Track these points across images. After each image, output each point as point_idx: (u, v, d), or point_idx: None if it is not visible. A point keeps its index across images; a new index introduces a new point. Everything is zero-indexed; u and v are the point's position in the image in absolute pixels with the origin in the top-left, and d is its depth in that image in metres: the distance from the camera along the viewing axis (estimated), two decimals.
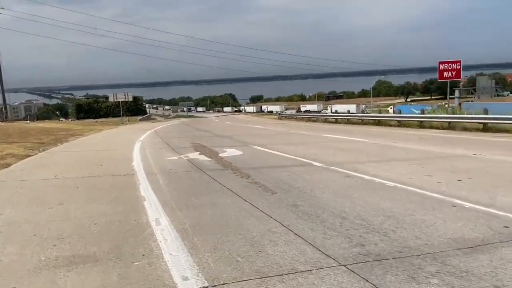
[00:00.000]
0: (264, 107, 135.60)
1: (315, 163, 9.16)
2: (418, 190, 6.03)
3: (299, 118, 41.41)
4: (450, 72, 21.40)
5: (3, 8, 52.11)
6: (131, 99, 60.14)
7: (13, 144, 16.59)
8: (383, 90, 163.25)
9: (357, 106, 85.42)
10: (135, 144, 15.40)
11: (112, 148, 14.27)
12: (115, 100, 52.69)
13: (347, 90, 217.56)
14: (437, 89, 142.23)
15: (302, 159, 9.94)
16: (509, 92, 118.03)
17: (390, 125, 23.67)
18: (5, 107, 53.10)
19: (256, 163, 9.48)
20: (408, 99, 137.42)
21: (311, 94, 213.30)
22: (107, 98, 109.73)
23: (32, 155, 12.62)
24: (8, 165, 10.34)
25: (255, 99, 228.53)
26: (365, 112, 76.43)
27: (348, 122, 29.15)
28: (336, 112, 67.33)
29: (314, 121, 35.38)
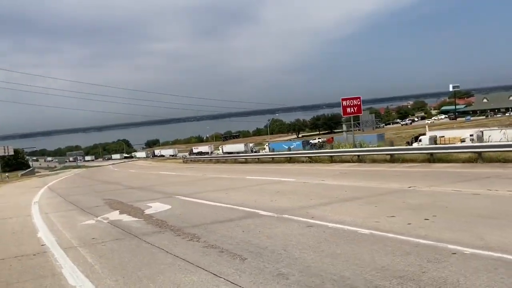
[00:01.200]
0: (157, 152, 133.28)
1: (262, 212, 8.31)
2: (400, 237, 5.53)
3: (206, 160, 40.36)
4: (352, 108, 22.74)
5: None
6: (11, 153, 52.98)
7: None
8: (276, 128, 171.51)
9: (245, 145, 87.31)
10: (31, 208, 12.86)
11: (3, 216, 11.57)
12: None
13: (242, 130, 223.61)
14: (324, 124, 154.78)
15: (244, 208, 9.01)
16: (384, 124, 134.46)
17: (302, 162, 24.08)
18: None
19: (196, 219, 8.27)
20: (300, 135, 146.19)
21: (208, 135, 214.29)
22: None
23: None
24: None
25: (151, 144, 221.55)
26: (253, 150, 79.46)
27: (259, 161, 29.08)
28: (239, 152, 67.88)
29: (223, 162, 34.70)
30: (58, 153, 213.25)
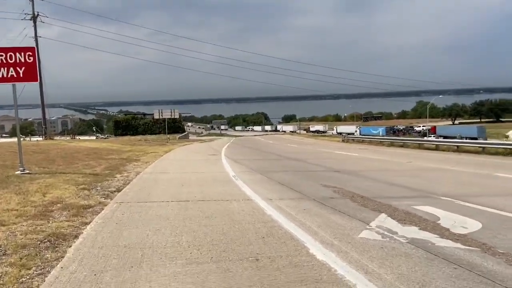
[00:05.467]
0: (279, 127, 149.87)
1: None
2: None
3: (374, 141, 35.55)
4: None
5: (45, 16, 49.20)
6: (177, 116, 56.09)
7: (58, 177, 11.87)
8: (426, 112, 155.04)
9: (356, 127, 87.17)
10: (240, 187, 10.14)
11: (216, 195, 9.01)
12: (161, 117, 48.61)
13: (384, 111, 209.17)
14: (489, 111, 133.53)
15: None
16: None
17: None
18: (45, 123, 49.83)
19: None
20: (456, 122, 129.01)
21: (346, 114, 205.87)
22: (144, 114, 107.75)
23: (94, 206, 7.69)
24: (59, 238, 5.36)
25: (288, 118, 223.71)
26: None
27: (459, 149, 23.33)
28: (350, 133, 61.44)
29: (401, 146, 29.62)
30: (204, 120, 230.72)
